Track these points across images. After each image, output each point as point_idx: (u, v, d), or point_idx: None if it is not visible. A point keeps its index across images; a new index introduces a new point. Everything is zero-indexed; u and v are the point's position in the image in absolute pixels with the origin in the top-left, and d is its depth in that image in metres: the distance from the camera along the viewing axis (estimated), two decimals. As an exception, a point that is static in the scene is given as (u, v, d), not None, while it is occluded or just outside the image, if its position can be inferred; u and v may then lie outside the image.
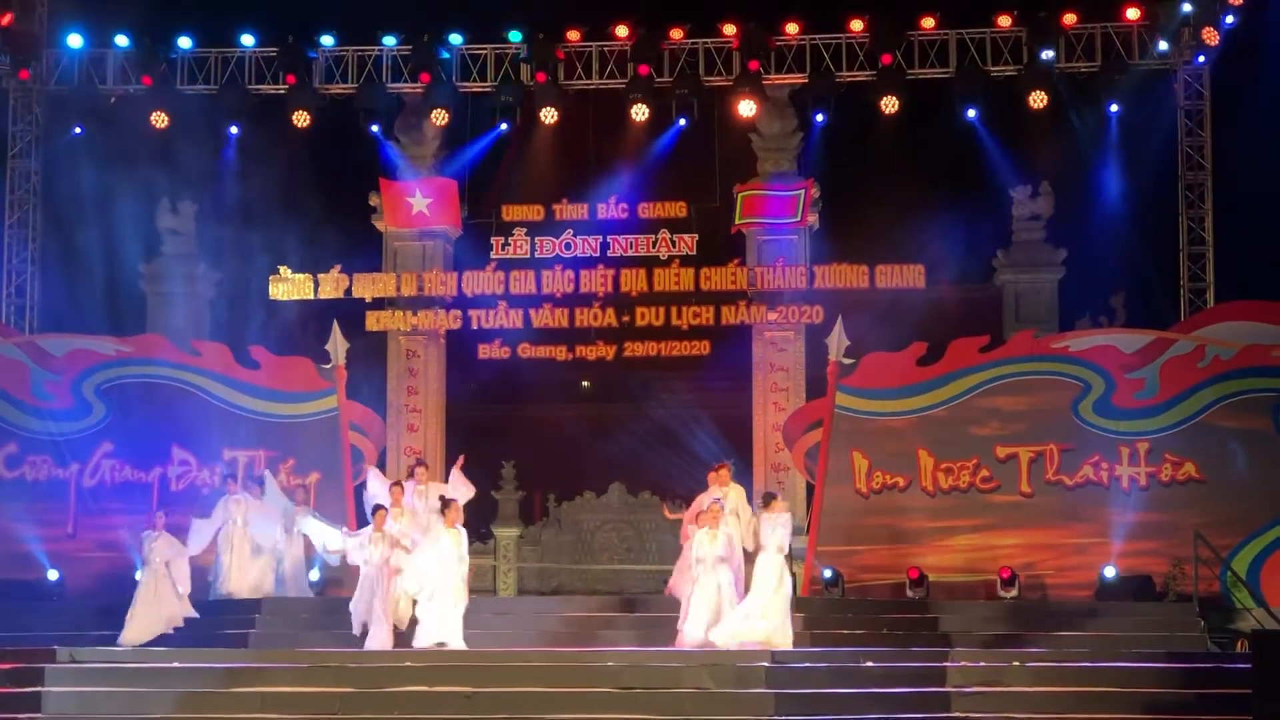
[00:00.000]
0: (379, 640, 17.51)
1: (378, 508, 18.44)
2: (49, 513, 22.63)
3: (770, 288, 23.62)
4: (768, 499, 17.88)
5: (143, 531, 19.36)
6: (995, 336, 23.24)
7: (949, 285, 24.18)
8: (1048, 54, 23.54)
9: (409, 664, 15.70)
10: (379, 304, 24.03)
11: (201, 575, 19.84)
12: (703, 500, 18.12)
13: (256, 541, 20.07)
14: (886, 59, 23.68)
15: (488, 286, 23.86)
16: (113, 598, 19.48)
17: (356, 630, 17.94)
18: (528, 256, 23.97)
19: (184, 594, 18.98)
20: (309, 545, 19.97)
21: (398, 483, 19.32)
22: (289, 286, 23.86)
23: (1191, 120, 24.08)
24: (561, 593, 23.31)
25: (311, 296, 23.83)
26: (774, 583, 17.10)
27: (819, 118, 24.22)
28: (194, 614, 18.94)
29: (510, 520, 23.01)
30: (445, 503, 17.77)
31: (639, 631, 18.49)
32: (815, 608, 19.12)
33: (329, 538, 18.81)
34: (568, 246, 23.99)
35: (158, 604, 18.66)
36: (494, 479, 23.38)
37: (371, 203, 24.61)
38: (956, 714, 14.71)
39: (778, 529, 17.34)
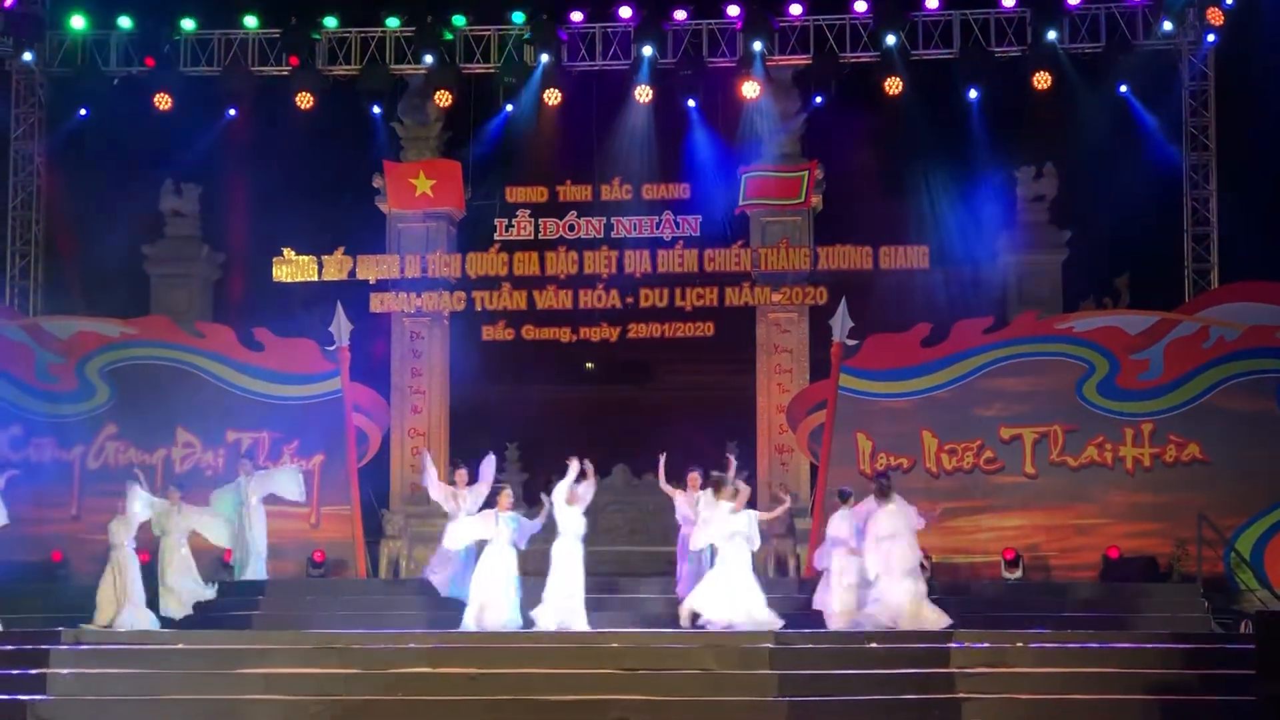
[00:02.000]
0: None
1: (500, 489, 18.09)
2: (53, 495, 22.71)
3: (774, 269, 23.59)
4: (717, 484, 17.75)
5: None
6: (999, 318, 23.25)
7: (953, 266, 24.15)
8: (1052, 34, 23.49)
9: (413, 645, 15.71)
10: (383, 286, 23.99)
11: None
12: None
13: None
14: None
15: (491, 268, 23.83)
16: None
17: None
18: (531, 238, 23.93)
19: None
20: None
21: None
22: (292, 268, 23.83)
23: (1196, 101, 23.99)
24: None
25: (315, 278, 23.79)
26: (727, 566, 17.15)
27: (821, 99, 24.18)
28: None
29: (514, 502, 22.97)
30: (495, 491, 17.87)
31: (643, 613, 18.51)
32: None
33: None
34: (571, 228, 23.95)
35: None
36: (498, 461, 23.33)
37: (375, 184, 24.56)
38: (960, 695, 14.69)
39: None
